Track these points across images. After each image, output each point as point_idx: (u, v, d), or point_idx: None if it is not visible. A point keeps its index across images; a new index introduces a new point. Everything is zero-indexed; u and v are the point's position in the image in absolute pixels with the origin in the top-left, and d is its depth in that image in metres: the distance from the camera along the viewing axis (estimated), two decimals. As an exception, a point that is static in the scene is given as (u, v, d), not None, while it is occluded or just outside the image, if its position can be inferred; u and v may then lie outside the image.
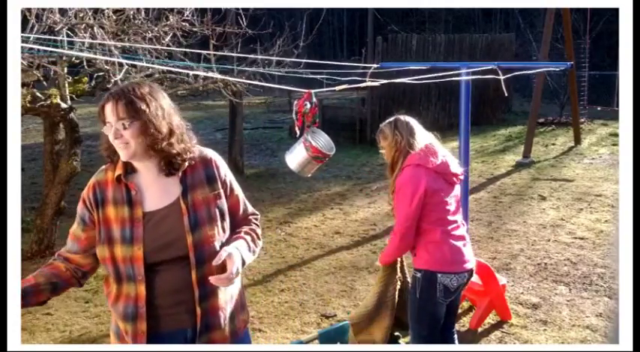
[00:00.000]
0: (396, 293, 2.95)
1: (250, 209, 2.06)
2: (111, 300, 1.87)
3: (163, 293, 1.81)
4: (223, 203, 1.91)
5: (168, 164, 1.84)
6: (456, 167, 2.76)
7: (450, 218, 2.73)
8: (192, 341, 1.84)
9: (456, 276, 2.70)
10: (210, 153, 1.95)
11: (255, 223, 2.02)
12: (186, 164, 1.86)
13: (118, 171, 1.84)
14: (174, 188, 1.85)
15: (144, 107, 1.76)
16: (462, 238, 2.77)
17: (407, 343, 3.07)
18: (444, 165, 2.70)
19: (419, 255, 2.74)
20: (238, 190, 2.00)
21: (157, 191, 1.85)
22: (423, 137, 2.78)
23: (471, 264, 2.77)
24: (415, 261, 2.78)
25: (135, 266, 1.78)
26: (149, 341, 1.82)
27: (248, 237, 1.92)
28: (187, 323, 1.83)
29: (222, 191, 1.91)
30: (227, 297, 1.91)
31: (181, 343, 1.84)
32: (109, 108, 1.76)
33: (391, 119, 2.85)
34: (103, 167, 1.91)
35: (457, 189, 2.80)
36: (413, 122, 2.81)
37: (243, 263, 1.83)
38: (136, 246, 1.78)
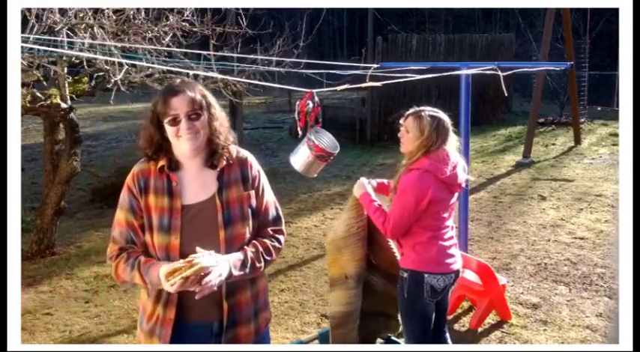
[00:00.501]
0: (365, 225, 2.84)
1: (274, 219, 2.03)
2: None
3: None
4: (254, 203, 1.97)
5: (216, 156, 1.93)
6: (462, 175, 2.72)
7: (442, 224, 2.72)
8: (218, 335, 1.90)
9: (443, 277, 2.69)
10: (247, 154, 2.04)
11: (273, 237, 2.00)
12: (224, 161, 1.94)
13: (162, 162, 1.90)
14: (212, 185, 1.92)
15: (212, 101, 1.92)
16: (450, 240, 2.76)
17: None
18: (453, 176, 2.65)
19: (406, 255, 2.74)
20: (267, 196, 2.02)
21: (195, 186, 1.91)
22: (449, 144, 2.70)
23: (457, 265, 2.77)
24: (402, 260, 2.77)
25: (170, 256, 1.84)
26: (176, 331, 1.88)
27: (251, 250, 1.91)
28: (214, 316, 1.90)
29: (253, 192, 1.98)
30: (253, 294, 1.97)
31: (207, 336, 1.91)
32: (179, 100, 1.83)
33: (434, 114, 2.68)
34: (143, 159, 1.96)
35: (455, 196, 2.78)
36: (451, 127, 2.71)
37: (231, 276, 1.82)
38: (173, 235, 1.85)
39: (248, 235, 1.92)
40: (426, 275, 2.67)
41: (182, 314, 1.88)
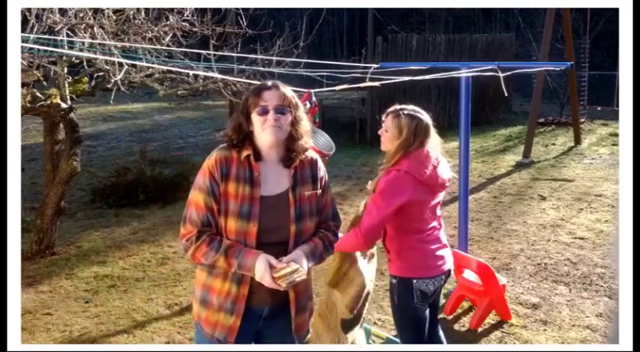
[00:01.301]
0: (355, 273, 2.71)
1: (334, 215, 2.22)
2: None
3: None
4: (320, 202, 2.13)
5: (293, 156, 2.04)
6: (445, 174, 2.64)
7: (427, 226, 2.66)
8: (266, 319, 2.07)
9: (432, 280, 2.65)
10: (316, 156, 2.18)
11: (333, 231, 2.18)
12: (298, 161, 2.06)
13: (247, 151, 2.00)
14: (285, 180, 2.05)
15: (299, 104, 2.07)
16: (437, 241, 2.70)
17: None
18: (434, 176, 2.58)
19: (393, 261, 2.70)
20: (330, 195, 2.20)
21: (272, 180, 2.03)
22: (431, 144, 2.63)
23: (447, 265, 2.72)
24: (390, 266, 2.74)
25: (247, 241, 1.95)
26: None
27: (320, 242, 2.09)
28: (268, 302, 2.05)
29: (320, 190, 2.09)
30: (305, 285, 2.10)
31: (257, 318, 2.06)
32: (271, 94, 1.99)
33: (413, 114, 2.63)
34: (224, 145, 2.05)
35: (440, 196, 2.70)
36: (431, 127, 2.65)
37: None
38: (252, 222, 1.96)
39: (312, 229, 2.09)
40: (414, 281, 2.63)
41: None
